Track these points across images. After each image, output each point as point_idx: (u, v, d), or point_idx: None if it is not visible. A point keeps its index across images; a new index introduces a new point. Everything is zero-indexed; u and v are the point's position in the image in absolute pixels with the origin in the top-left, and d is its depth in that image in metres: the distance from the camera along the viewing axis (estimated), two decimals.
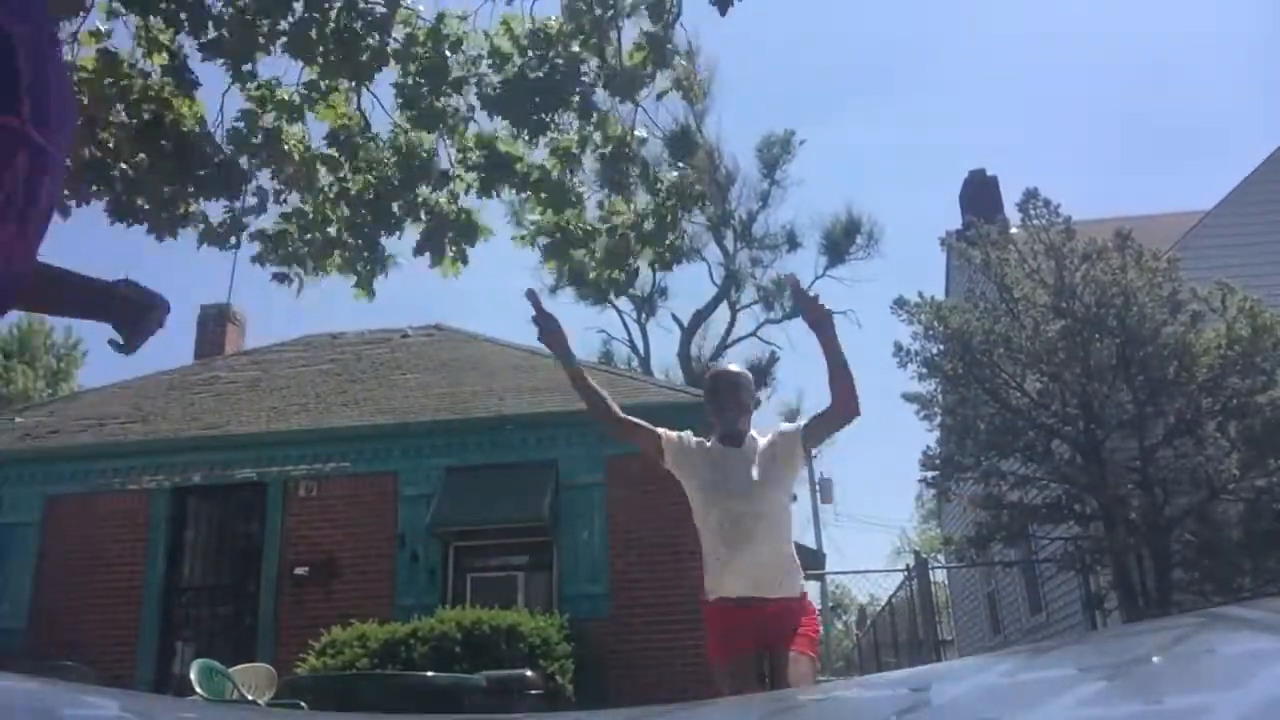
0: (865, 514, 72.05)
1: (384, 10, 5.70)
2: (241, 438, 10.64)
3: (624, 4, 5.73)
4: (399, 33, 5.81)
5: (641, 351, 25.40)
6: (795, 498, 3.56)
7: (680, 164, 6.76)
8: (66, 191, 5.22)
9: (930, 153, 54.27)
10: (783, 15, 48.06)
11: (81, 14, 5.37)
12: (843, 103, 53.16)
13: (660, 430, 3.52)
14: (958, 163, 49.12)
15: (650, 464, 3.57)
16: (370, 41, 5.67)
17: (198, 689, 6.61)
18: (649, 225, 6.15)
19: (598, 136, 6.06)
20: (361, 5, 5.64)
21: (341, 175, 6.05)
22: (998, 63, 55.34)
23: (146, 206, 5.54)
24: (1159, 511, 9.15)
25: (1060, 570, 11.28)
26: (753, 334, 25.29)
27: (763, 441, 3.44)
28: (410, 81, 5.87)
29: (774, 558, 3.32)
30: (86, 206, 5.43)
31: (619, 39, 5.80)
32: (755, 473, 3.34)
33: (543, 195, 6.05)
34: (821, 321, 3.25)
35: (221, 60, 5.47)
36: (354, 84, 5.90)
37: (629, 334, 25.67)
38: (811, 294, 3.36)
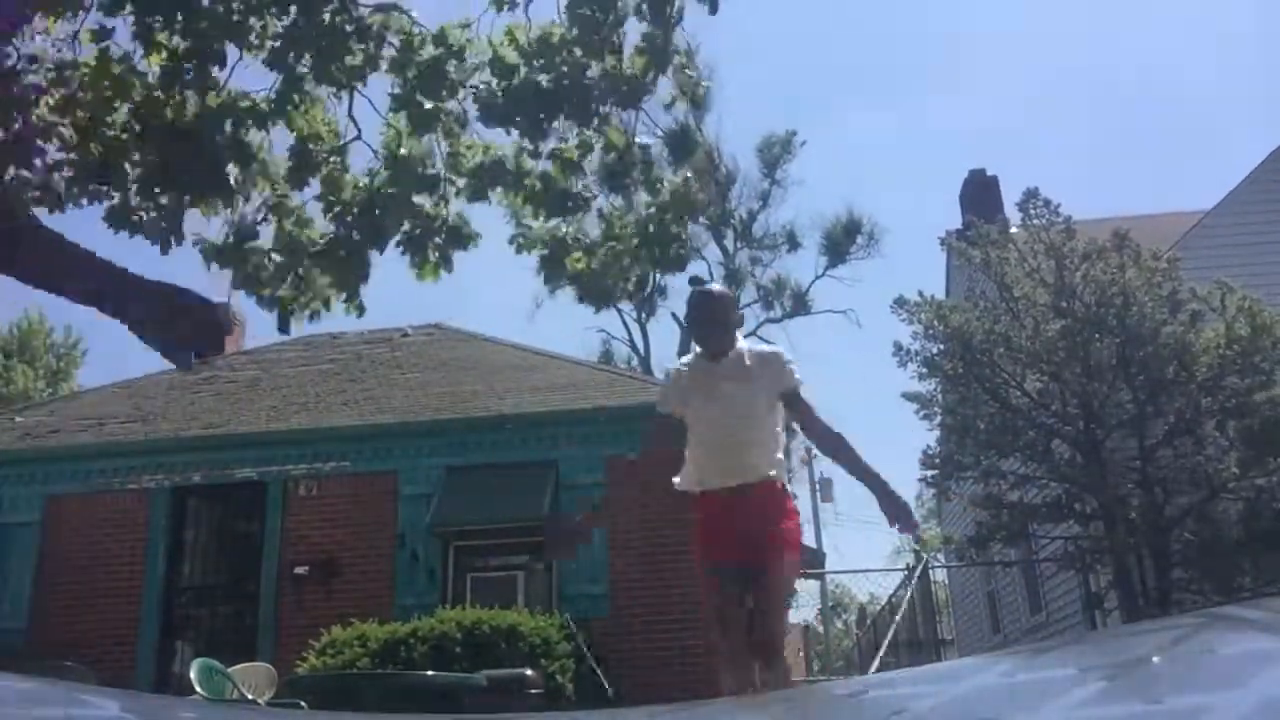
0: (865, 514, 71.97)
1: (379, 15, 5.68)
2: (241, 437, 10.64)
3: (626, 7, 5.71)
4: (394, 38, 5.79)
5: (641, 351, 25.42)
6: (788, 429, 3.64)
7: (681, 168, 6.73)
8: (62, 192, 5.21)
9: (930, 152, 54.29)
10: (783, 15, 48.06)
11: (82, 12, 5.35)
12: (843, 102, 53.19)
13: (659, 409, 3.66)
14: (958, 162, 49.14)
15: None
16: (363, 47, 5.64)
17: (198, 689, 6.61)
18: (651, 230, 6.14)
19: (600, 144, 6.05)
20: (355, 11, 5.62)
21: (322, 193, 5.99)
22: (998, 62, 55.35)
23: (147, 215, 5.50)
24: (1159, 511, 9.16)
25: (1060, 570, 11.30)
26: (753, 333, 25.27)
27: (749, 358, 3.55)
28: (405, 86, 5.85)
29: (754, 450, 3.45)
30: (82, 208, 5.40)
31: (621, 44, 5.79)
32: (736, 384, 3.47)
33: (543, 203, 6.03)
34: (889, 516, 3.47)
35: (191, 64, 5.43)
36: (338, 90, 5.86)
37: (629, 334, 25.70)
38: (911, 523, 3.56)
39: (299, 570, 9.90)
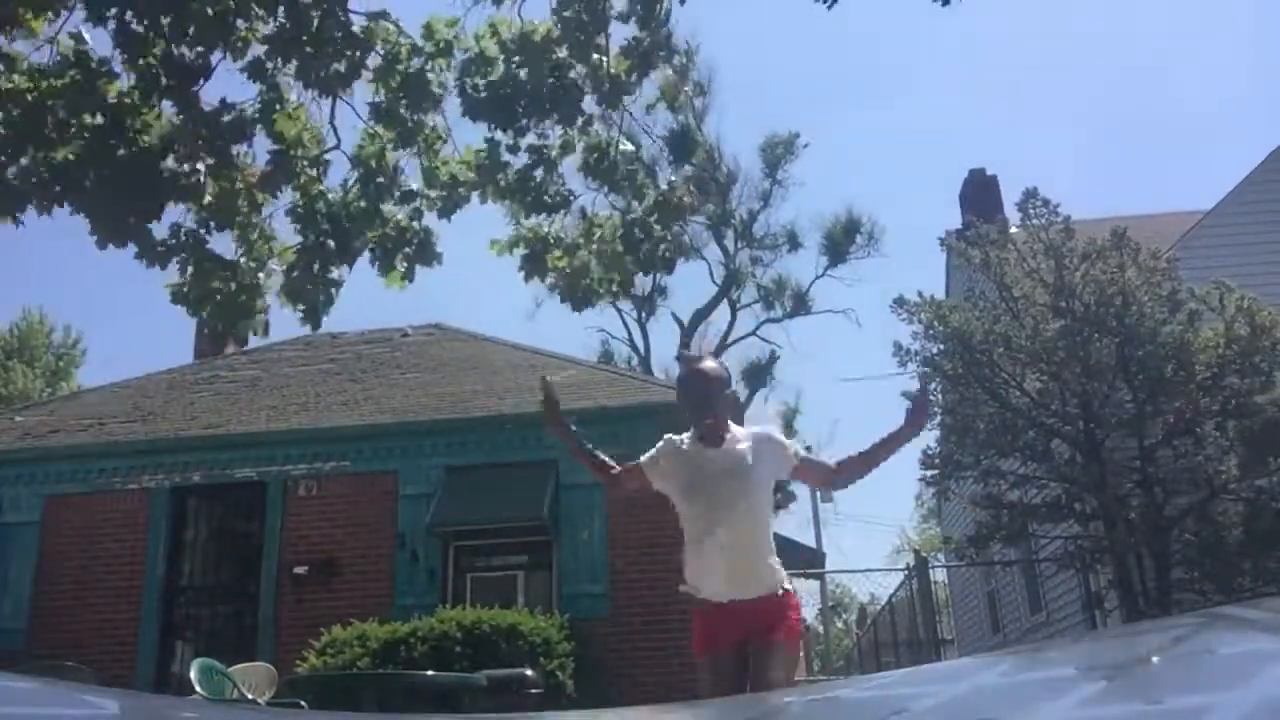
0: (865, 513, 72.04)
1: (365, 24, 5.66)
2: (241, 437, 10.64)
3: (611, 9, 5.71)
4: (380, 48, 5.78)
5: (641, 351, 25.40)
6: (778, 502, 3.59)
7: (681, 168, 6.75)
8: (32, 202, 5.19)
9: (930, 152, 54.27)
10: (784, 14, 48.09)
11: (65, 12, 5.33)
12: (843, 101, 53.17)
13: (641, 461, 3.56)
14: (958, 162, 49.13)
15: (650, 495, 3.61)
16: (349, 54, 5.62)
17: (198, 688, 6.60)
18: (635, 232, 6.13)
19: (581, 143, 6.04)
20: (342, 17, 5.60)
21: (296, 201, 5.97)
22: (998, 62, 55.34)
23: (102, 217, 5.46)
24: (1159, 511, 9.16)
25: (1060, 570, 11.29)
26: (753, 333, 25.30)
27: (745, 442, 3.43)
28: (388, 97, 5.83)
29: (752, 563, 3.34)
30: (49, 217, 5.36)
31: (606, 44, 5.78)
32: (733, 475, 3.35)
33: (519, 199, 6.02)
34: (916, 428, 3.50)
35: (171, 79, 5.40)
36: (321, 95, 5.84)
37: (629, 333, 25.68)
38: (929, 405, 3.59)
39: (299, 570, 9.90)
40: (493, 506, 9.87)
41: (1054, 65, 54.59)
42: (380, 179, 5.97)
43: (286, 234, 6.16)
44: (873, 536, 79.18)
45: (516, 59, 5.73)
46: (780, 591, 3.38)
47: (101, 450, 10.71)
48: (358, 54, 5.68)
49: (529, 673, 7.24)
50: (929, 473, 10.68)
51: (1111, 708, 0.76)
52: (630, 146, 6.29)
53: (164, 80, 5.41)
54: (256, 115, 5.76)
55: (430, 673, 7.06)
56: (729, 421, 3.50)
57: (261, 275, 6.00)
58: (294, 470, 10.37)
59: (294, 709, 5.34)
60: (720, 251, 25.11)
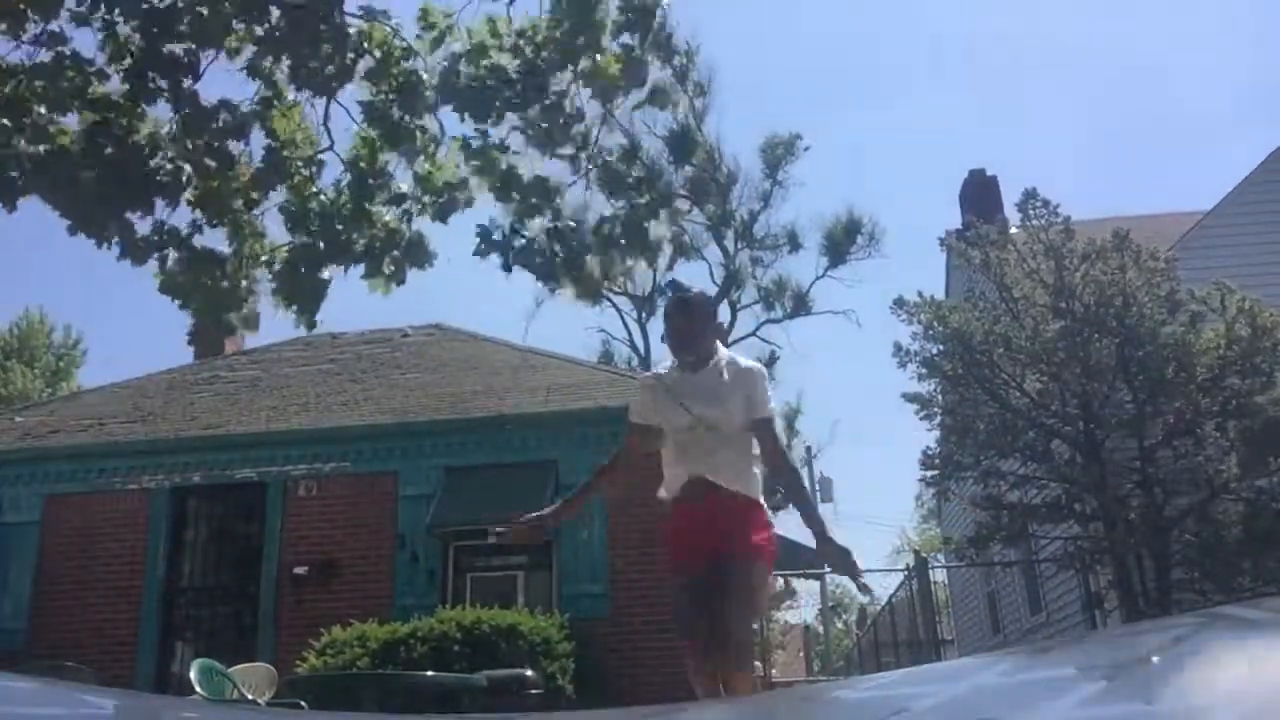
0: (865, 514, 72.11)
1: (360, 25, 5.66)
2: (241, 437, 10.64)
3: (607, 15, 5.70)
4: (376, 50, 5.77)
5: (641, 351, 25.37)
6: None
7: (681, 168, 6.75)
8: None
9: (931, 152, 54.26)
10: (784, 14, 48.10)
11: (51, 15, 5.33)
12: (844, 102, 53.16)
13: (630, 420, 3.64)
14: (958, 162, 49.12)
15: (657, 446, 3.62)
16: (343, 55, 5.62)
17: (198, 689, 6.60)
18: (619, 227, 6.12)
19: (564, 137, 6.02)
20: (338, 19, 5.60)
21: (288, 200, 5.95)
22: (998, 62, 55.34)
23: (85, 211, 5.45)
24: (1159, 511, 9.16)
25: (1060, 570, 11.29)
26: (753, 334, 25.29)
27: (727, 372, 3.47)
28: (381, 99, 5.83)
29: (725, 467, 3.39)
30: (12, 210, 5.34)
31: (600, 50, 5.77)
32: (711, 395, 3.41)
33: (517, 197, 6.01)
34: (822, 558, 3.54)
35: (165, 78, 5.39)
36: (315, 96, 5.84)
37: (629, 333, 25.67)
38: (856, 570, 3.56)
39: (299, 570, 9.89)
40: (493, 507, 9.86)
41: (1054, 65, 54.60)
42: (371, 180, 5.96)
43: (277, 233, 6.16)
44: (873, 537, 79.16)
45: (510, 53, 5.72)
46: (753, 496, 3.44)
47: (101, 450, 10.71)
48: (351, 55, 5.68)
49: (529, 673, 7.24)
50: (929, 473, 10.68)
51: (1111, 708, 0.76)
52: (623, 142, 6.30)
53: (154, 79, 5.41)
54: (256, 113, 5.76)
55: (430, 673, 7.06)
56: (715, 346, 3.54)
57: (253, 270, 6.00)
58: (294, 470, 10.36)
59: (294, 709, 5.34)
60: (720, 252, 25.12)
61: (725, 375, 3.45)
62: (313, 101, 5.90)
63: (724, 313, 25.10)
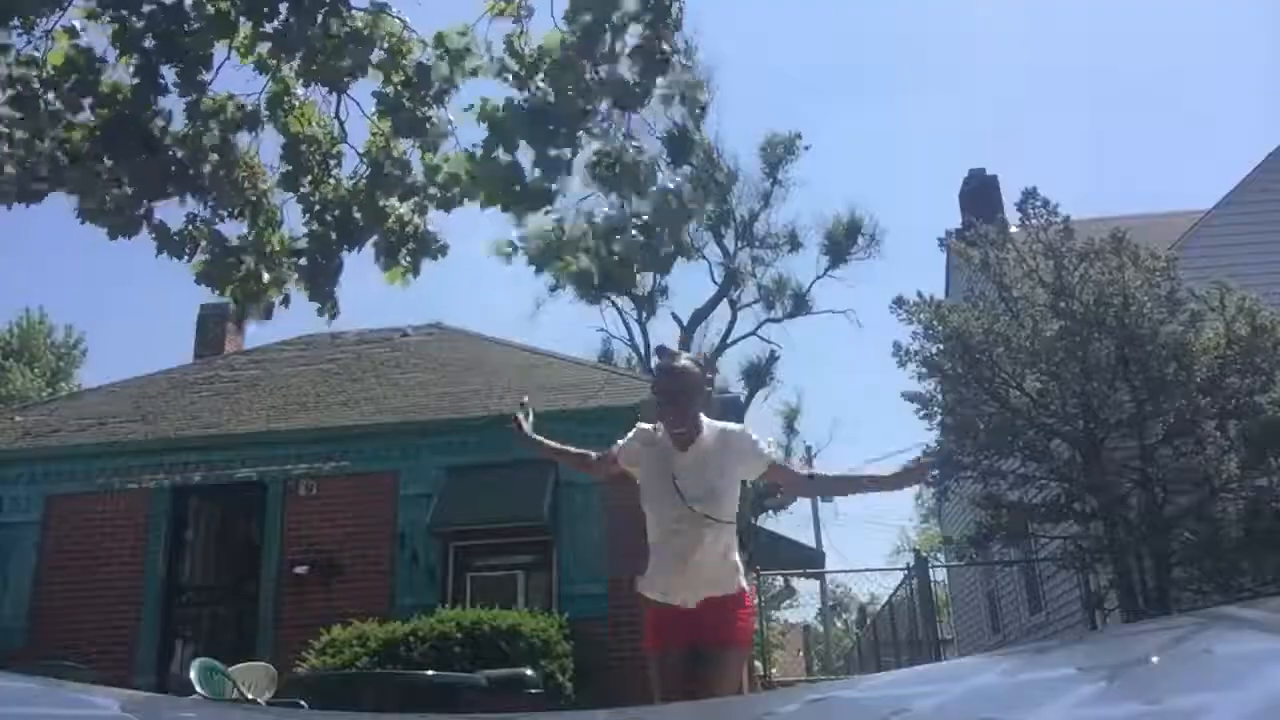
0: (865, 513, 72.11)
1: (369, 17, 5.66)
2: (241, 437, 10.64)
3: (626, 14, 5.68)
4: (385, 42, 5.78)
5: (641, 350, 25.37)
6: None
7: (679, 169, 6.71)
8: (16, 190, 5.21)
9: (931, 152, 54.27)
10: (784, 13, 48.09)
11: (59, 10, 5.34)
12: (844, 101, 53.18)
13: (615, 449, 3.57)
14: (958, 162, 49.12)
15: (627, 479, 3.60)
16: (354, 49, 5.63)
17: (198, 688, 6.60)
18: (635, 235, 6.11)
19: (594, 146, 6.01)
20: (346, 13, 5.61)
21: (307, 192, 5.98)
22: (998, 62, 55.33)
23: (110, 207, 5.49)
24: (1159, 511, 9.16)
25: (1060, 569, 11.29)
26: (753, 333, 25.29)
27: (715, 444, 3.34)
28: (393, 91, 5.83)
29: (709, 569, 3.34)
30: (38, 205, 5.39)
31: (616, 49, 5.76)
32: (699, 481, 3.29)
33: (516, 203, 6.00)
34: (901, 485, 3.49)
35: (176, 65, 5.41)
36: (329, 90, 5.86)
37: (629, 332, 25.68)
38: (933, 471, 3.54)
39: (299, 570, 9.89)
40: (493, 506, 9.86)
41: (1055, 65, 54.60)
42: (389, 171, 5.98)
43: (294, 222, 6.20)
44: (873, 536, 79.22)
45: (537, 77, 5.71)
46: (735, 590, 3.38)
47: (102, 450, 10.71)
48: (360, 49, 5.68)
49: (529, 673, 7.24)
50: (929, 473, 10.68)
51: (1111, 708, 0.76)
52: (634, 149, 6.27)
53: (165, 73, 5.43)
54: (265, 109, 5.78)
55: (430, 673, 7.06)
56: (700, 419, 3.39)
57: (278, 256, 6.04)
58: (294, 470, 10.36)
59: (294, 709, 5.34)
60: (720, 251, 25.12)
61: (714, 451, 3.34)
62: (326, 97, 5.93)
63: (724, 313, 25.12)
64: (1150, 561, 9.17)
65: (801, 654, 25.97)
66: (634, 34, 5.76)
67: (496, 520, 9.89)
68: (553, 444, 3.79)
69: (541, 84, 5.68)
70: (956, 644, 17.51)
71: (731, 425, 3.51)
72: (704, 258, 24.80)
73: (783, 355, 25.54)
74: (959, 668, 1.39)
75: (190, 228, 5.85)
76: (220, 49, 5.56)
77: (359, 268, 6.24)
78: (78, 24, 5.46)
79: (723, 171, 24.58)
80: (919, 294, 10.32)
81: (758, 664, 11.33)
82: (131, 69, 5.46)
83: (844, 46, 53.69)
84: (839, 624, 33.60)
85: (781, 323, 25.17)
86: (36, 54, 5.40)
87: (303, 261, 6.06)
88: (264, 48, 5.61)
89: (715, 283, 24.94)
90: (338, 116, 6.00)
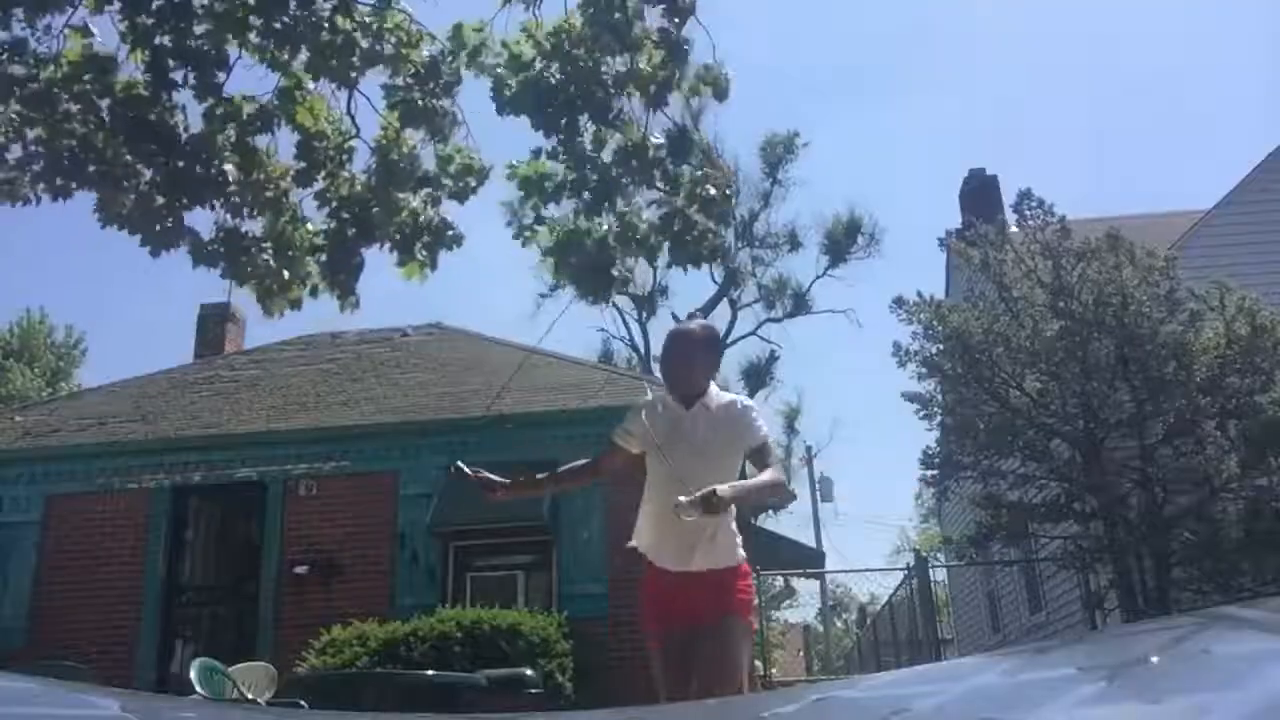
0: (865, 513, 72.13)
1: (376, 15, 5.68)
2: (241, 437, 10.64)
3: (639, 4, 5.69)
4: (392, 35, 5.78)
5: (641, 350, 25.38)
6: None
7: (698, 169, 6.71)
8: (43, 185, 5.22)
9: (931, 152, 54.26)
10: (784, 12, 48.06)
11: (69, 8, 5.35)
12: (844, 101, 53.18)
13: (619, 437, 3.53)
14: (958, 162, 49.13)
15: (638, 466, 3.54)
16: (362, 44, 5.64)
17: (198, 688, 6.60)
18: (675, 225, 6.13)
19: (616, 139, 6.02)
20: (353, 7, 5.62)
21: (322, 188, 6.00)
22: (998, 62, 55.34)
23: (136, 213, 5.50)
24: (1159, 511, 9.16)
25: (1060, 569, 11.29)
26: (753, 333, 25.29)
27: (717, 408, 3.37)
28: (401, 83, 5.84)
29: (713, 530, 3.29)
30: (67, 201, 5.40)
31: (639, 40, 5.76)
32: (702, 452, 3.30)
33: (579, 203, 6.02)
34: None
35: (191, 67, 5.42)
36: (338, 86, 5.87)
37: (629, 332, 25.68)
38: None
39: (299, 570, 9.90)
40: (493, 506, 9.83)
41: (1055, 65, 54.58)
42: (399, 163, 5.99)
43: (314, 218, 6.21)
44: (873, 536, 79.21)
45: (551, 59, 5.72)
46: (734, 562, 3.36)
47: (102, 450, 10.71)
48: (368, 43, 5.70)
49: (529, 672, 7.24)
50: (929, 472, 10.68)
51: (1111, 708, 0.76)
52: (660, 140, 6.28)
53: (178, 71, 5.44)
54: (276, 106, 5.79)
55: (430, 673, 7.06)
56: (709, 384, 3.43)
57: (301, 257, 6.05)
58: (294, 470, 10.36)
59: (294, 709, 5.34)
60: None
61: (713, 416, 3.35)
62: (336, 93, 5.94)
63: (724, 312, 25.09)
64: (1150, 561, 9.17)
65: (801, 654, 25.97)
66: (651, 22, 5.78)
67: (496, 520, 9.89)
68: (539, 477, 3.75)
69: (551, 65, 5.69)
70: (956, 644, 17.51)
71: (741, 397, 3.54)
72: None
73: (783, 355, 25.56)
74: (959, 668, 1.39)
75: (221, 234, 5.88)
76: (231, 47, 5.57)
77: (371, 265, 6.24)
78: (89, 23, 5.48)
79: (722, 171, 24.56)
80: (919, 294, 10.33)
81: (758, 664, 11.32)
82: (142, 66, 5.47)
83: (844, 46, 53.69)
84: (839, 624, 33.60)
85: (781, 322, 25.19)
86: (49, 52, 5.41)
87: (324, 258, 6.07)
88: (273, 43, 5.61)
89: (715, 282, 24.95)
90: (349, 112, 6.01)
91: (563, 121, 5.77)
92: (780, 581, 19.28)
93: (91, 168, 5.37)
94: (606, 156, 6.07)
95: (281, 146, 6.06)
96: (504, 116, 5.85)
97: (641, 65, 5.74)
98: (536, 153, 6.01)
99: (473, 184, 6.08)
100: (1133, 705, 0.76)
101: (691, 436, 3.33)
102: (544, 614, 8.53)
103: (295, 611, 9.70)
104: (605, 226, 6.22)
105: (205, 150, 5.59)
